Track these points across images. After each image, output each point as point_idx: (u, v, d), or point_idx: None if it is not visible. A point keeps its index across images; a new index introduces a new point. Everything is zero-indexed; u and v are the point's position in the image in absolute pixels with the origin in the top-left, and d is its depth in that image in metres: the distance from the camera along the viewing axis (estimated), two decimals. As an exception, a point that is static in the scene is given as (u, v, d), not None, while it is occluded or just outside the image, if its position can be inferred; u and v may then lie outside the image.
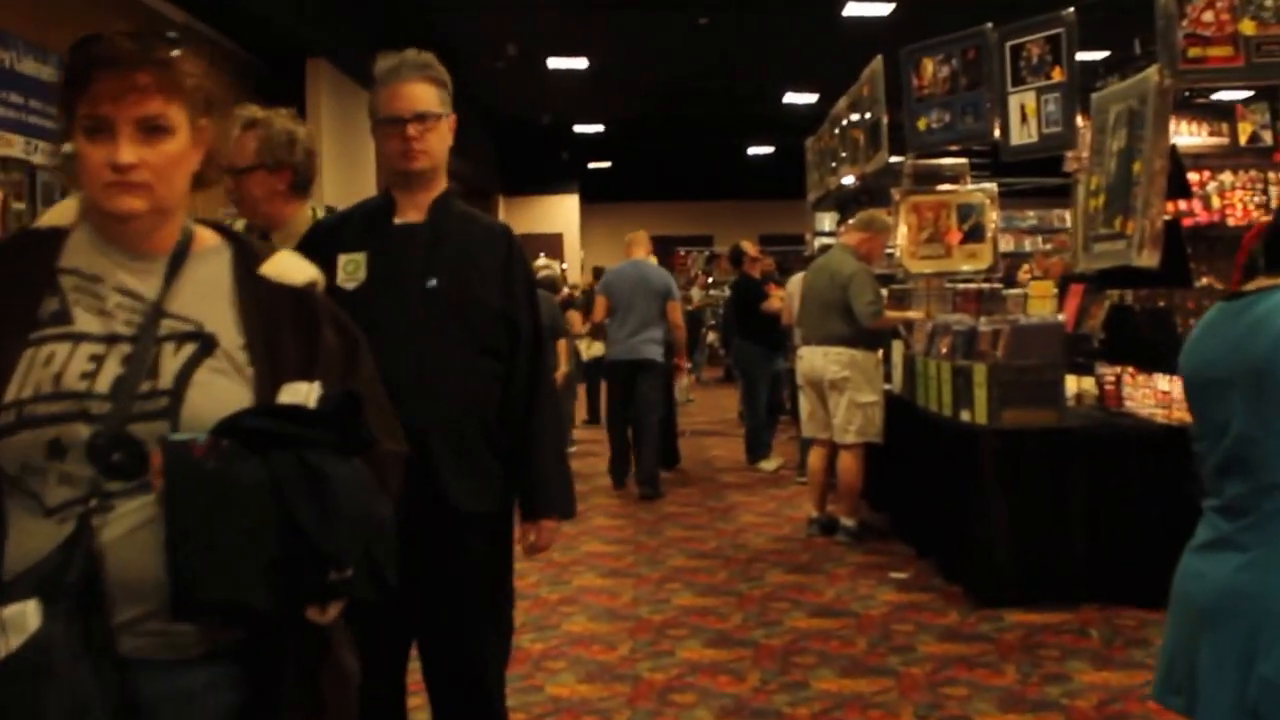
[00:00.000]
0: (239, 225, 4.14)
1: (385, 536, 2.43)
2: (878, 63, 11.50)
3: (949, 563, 8.87)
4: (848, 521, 10.08)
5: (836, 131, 13.78)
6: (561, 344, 12.96)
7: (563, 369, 12.95)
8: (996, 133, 9.86)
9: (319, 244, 3.88)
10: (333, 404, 2.45)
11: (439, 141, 4.11)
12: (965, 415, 8.40)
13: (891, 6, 18.99)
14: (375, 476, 2.48)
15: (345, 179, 18.01)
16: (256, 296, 2.59)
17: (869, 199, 12.76)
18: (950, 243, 10.94)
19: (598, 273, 20.42)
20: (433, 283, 3.99)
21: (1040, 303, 9.89)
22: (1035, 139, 9.53)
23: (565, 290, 17.90)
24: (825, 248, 13.34)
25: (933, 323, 9.86)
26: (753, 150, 34.13)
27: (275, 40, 15.62)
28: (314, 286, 2.72)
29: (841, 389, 9.94)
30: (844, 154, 13.26)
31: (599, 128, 31.04)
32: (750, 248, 14.51)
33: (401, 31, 20.54)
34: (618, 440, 13.01)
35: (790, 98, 27.09)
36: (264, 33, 15.18)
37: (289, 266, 2.70)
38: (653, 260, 13.30)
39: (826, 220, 16.62)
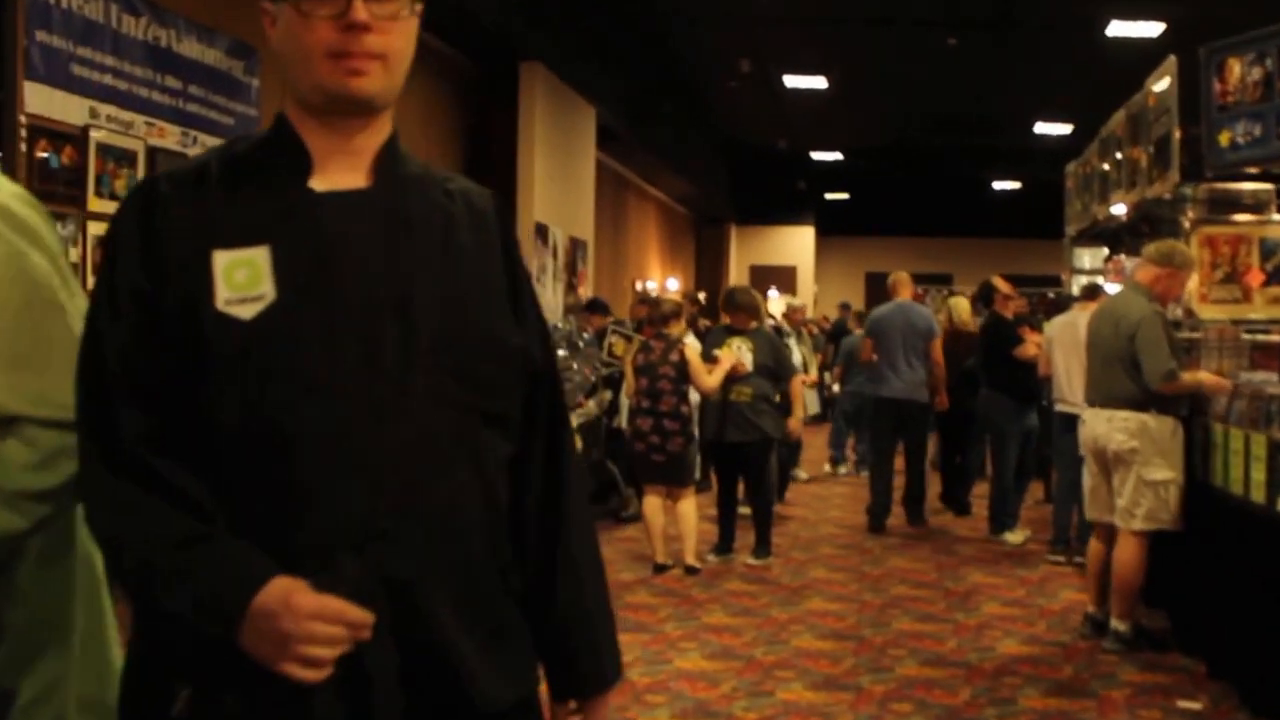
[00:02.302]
0: None
1: None
2: (1170, 63, 9.37)
3: (1256, 690, 6.82)
4: (1119, 625, 8.04)
5: (1109, 152, 11.64)
6: (796, 383, 11.30)
7: (796, 414, 11.34)
8: (1323, 150, 7.79)
9: (154, 229, 2.13)
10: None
11: (405, 44, 2.20)
12: (1288, 506, 6.42)
13: (1162, 26, 17.01)
14: None
15: (561, 191, 16.78)
16: None
17: (1149, 231, 10.70)
18: (1250, 284, 8.89)
19: (844, 309, 19.39)
20: (400, 301, 2.16)
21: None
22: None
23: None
24: (1092, 288, 11.35)
25: (1238, 381, 7.85)
26: (998, 184, 32.77)
27: (488, 41, 14.58)
28: None
29: (1128, 462, 7.92)
30: (1117, 177, 11.14)
31: (837, 155, 29.93)
32: (1003, 285, 12.44)
33: (625, 38, 19.62)
34: (882, 480, 12.84)
35: (1042, 128, 25.33)
36: (476, 33, 14.11)
37: None
38: (915, 301, 13.35)
39: (1087, 257, 14.53)
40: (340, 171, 2.21)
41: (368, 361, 2.11)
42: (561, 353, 14.73)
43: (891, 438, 12.93)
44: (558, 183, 17.00)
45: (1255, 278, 8.84)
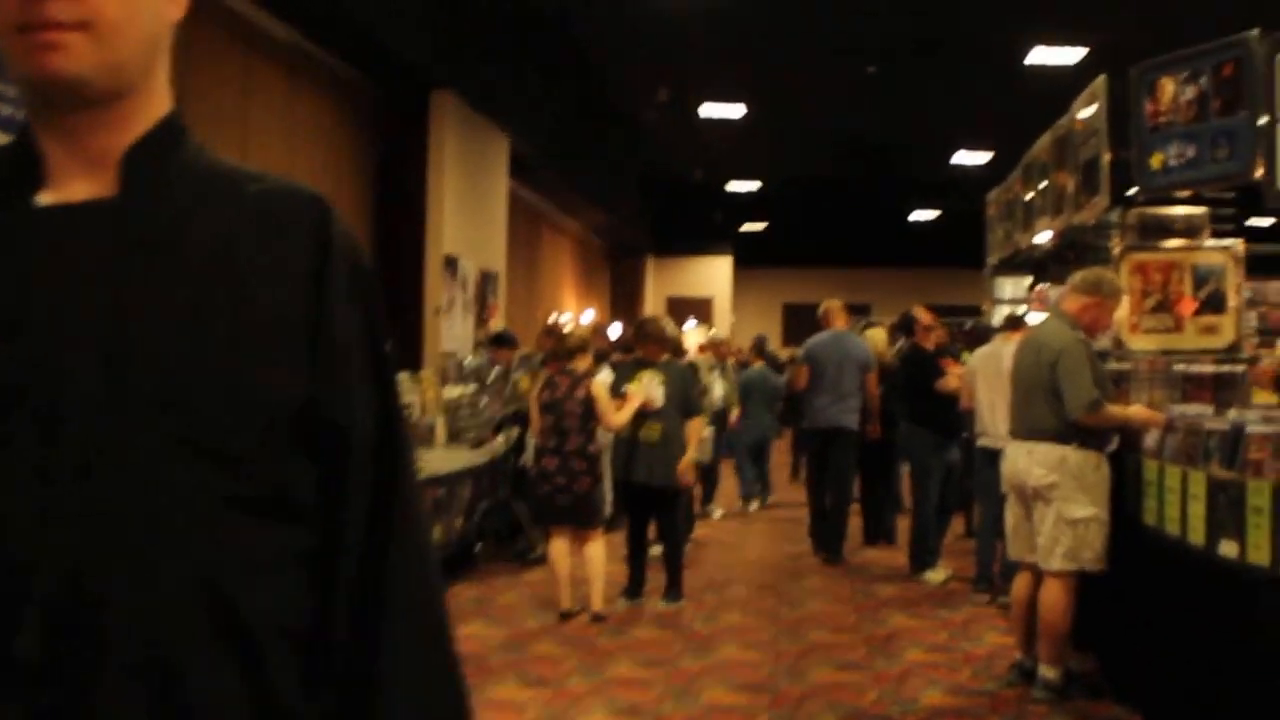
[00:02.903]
0: None
1: None
2: (1099, 84, 8.88)
3: (1196, 745, 6.36)
4: (1048, 672, 7.51)
5: (1033, 178, 11.18)
6: (695, 424, 10.49)
7: (689, 457, 10.45)
8: (1259, 171, 7.31)
9: None
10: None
11: (119, 7, 1.61)
12: (1229, 550, 5.96)
13: (1084, 51, 16.74)
14: None
15: (472, 222, 16.38)
16: None
17: (1076, 259, 10.24)
18: (1182, 313, 8.43)
19: (759, 342, 18.79)
20: (110, 345, 1.58)
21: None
22: (1316, 179, 6.99)
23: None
24: (1014, 318, 10.93)
25: (1171, 414, 7.38)
26: (917, 214, 32.71)
27: (398, 69, 14.23)
28: None
29: (1048, 499, 7.43)
30: (1042, 204, 10.68)
31: (754, 185, 29.66)
32: (924, 315, 11.96)
33: (541, 67, 19.21)
34: (817, 506, 13.05)
35: (961, 156, 25.19)
36: (386, 61, 13.79)
37: None
38: (850, 330, 13.55)
39: (1009, 286, 14.10)
40: (78, 180, 1.64)
41: (45, 429, 1.53)
42: (471, 387, 14.24)
43: (822, 466, 12.94)
44: (469, 214, 16.60)
45: (1187, 306, 8.39)
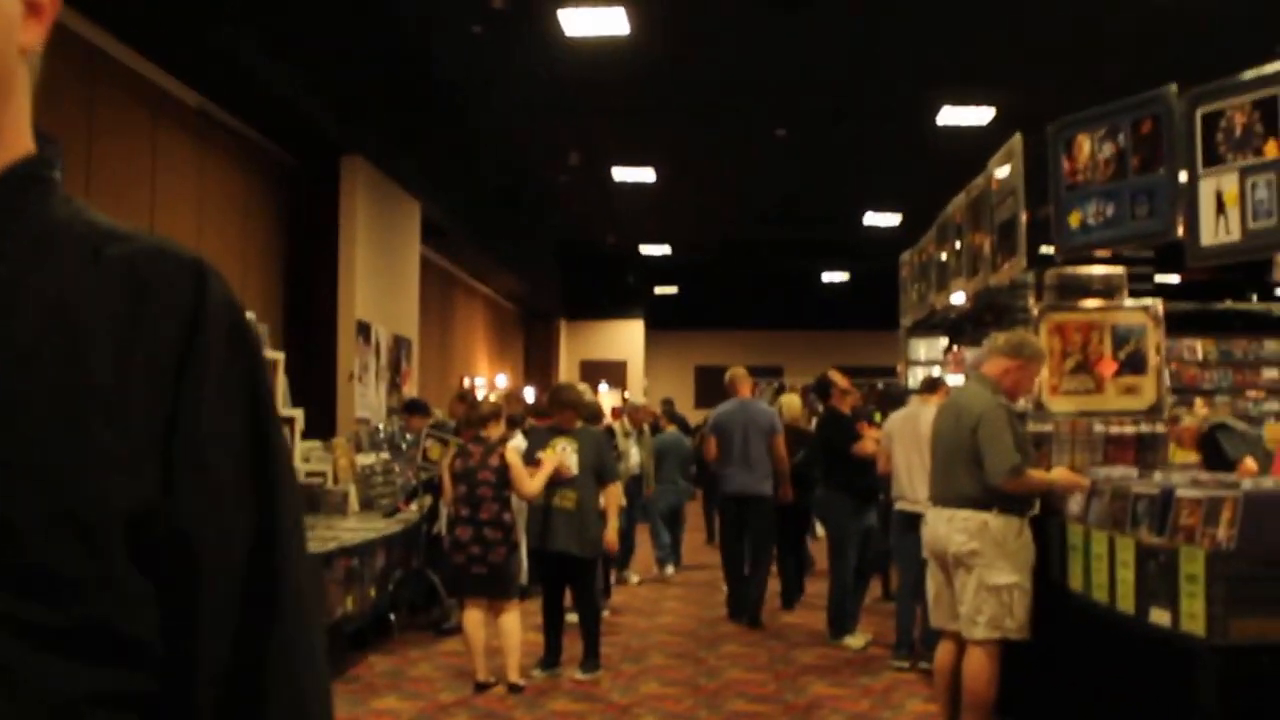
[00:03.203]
0: None
1: None
2: (1015, 143, 8.74)
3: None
4: (975, 745, 7.33)
5: (948, 239, 11.03)
6: (613, 491, 10.22)
7: (612, 526, 10.19)
8: (1180, 230, 7.18)
9: None
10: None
11: None
12: (1161, 618, 5.78)
13: (992, 112, 16.73)
14: None
15: (384, 288, 16.20)
16: None
17: (994, 320, 10.10)
18: (1102, 374, 8.29)
19: (667, 405, 19.15)
20: None
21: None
22: (1238, 237, 6.81)
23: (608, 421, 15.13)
24: (932, 381, 10.77)
25: (1095, 477, 7.21)
26: (828, 276, 32.72)
27: (307, 134, 14.09)
28: None
29: (969, 566, 7.24)
30: (956, 265, 10.52)
31: (666, 249, 29.69)
32: (839, 379, 11.76)
33: (450, 132, 19.00)
34: (734, 573, 12.95)
35: (871, 218, 25.14)
36: (294, 126, 13.71)
37: None
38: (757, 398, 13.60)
39: (923, 348, 13.96)
40: None
41: None
42: (384, 455, 13.96)
43: (738, 533, 12.81)
44: (381, 279, 16.42)
45: (1108, 367, 8.25)
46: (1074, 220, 7.86)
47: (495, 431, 9.68)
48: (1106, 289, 8.56)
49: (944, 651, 7.71)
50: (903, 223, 23.66)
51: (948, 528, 7.35)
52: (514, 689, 9.33)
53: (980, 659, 7.24)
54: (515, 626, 9.47)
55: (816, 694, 9.44)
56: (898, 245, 14.46)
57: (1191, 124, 7.07)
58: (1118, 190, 7.59)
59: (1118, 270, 8.65)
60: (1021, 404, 8.10)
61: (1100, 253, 8.33)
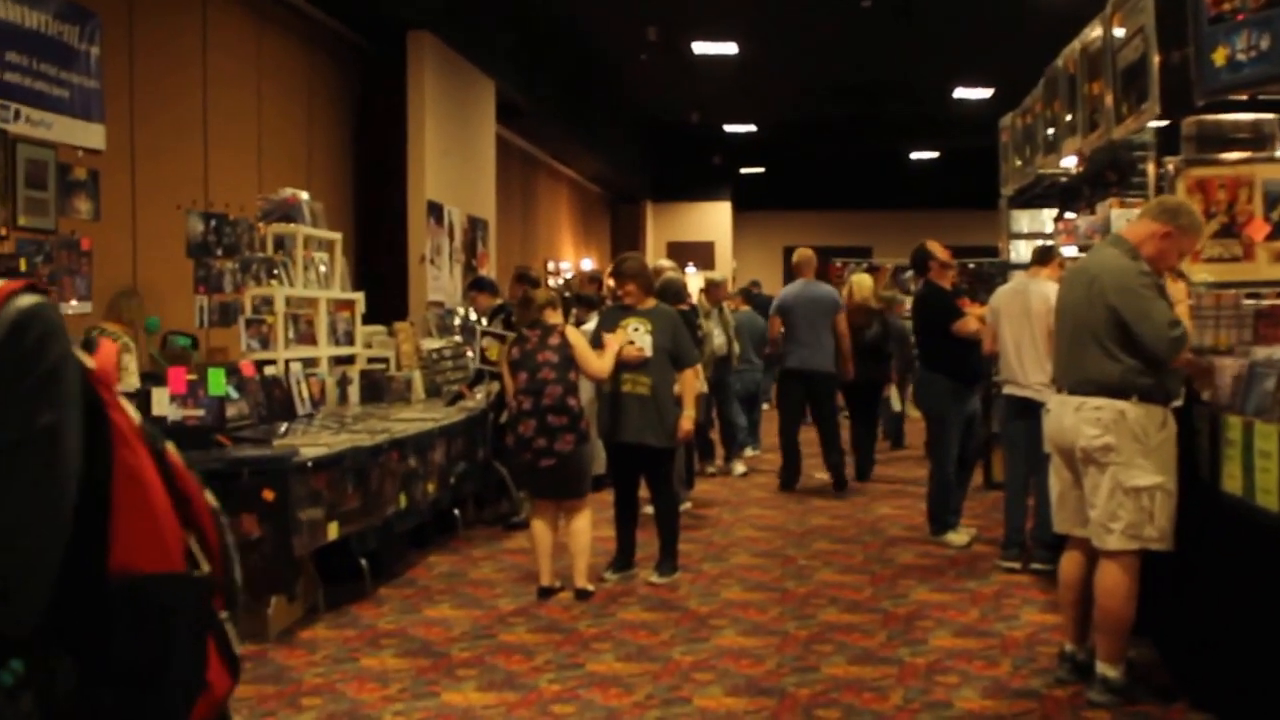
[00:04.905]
0: None
1: None
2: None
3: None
4: (1109, 671, 6.00)
5: (1057, 95, 9.45)
6: (688, 376, 8.92)
7: (688, 414, 8.91)
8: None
9: None
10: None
11: None
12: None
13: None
14: None
15: (457, 169, 15.37)
16: None
17: (1118, 180, 8.64)
18: (1252, 237, 6.85)
19: (751, 287, 18.94)
20: None
21: None
22: None
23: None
24: (1046, 250, 9.37)
25: (1248, 359, 5.84)
26: (917, 154, 31.32)
27: (371, 10, 13.55)
28: None
29: (1101, 464, 5.90)
30: (1071, 121, 8.97)
31: (751, 128, 28.34)
32: (939, 250, 10.21)
33: (525, 7, 17.76)
34: (788, 446, 13.04)
35: (961, 93, 23.42)
36: (359, 1, 13.16)
37: None
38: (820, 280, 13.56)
39: (1026, 220, 12.51)
40: None
41: None
42: (456, 339, 12.86)
43: (799, 407, 13.07)
44: (454, 160, 15.49)
45: (1259, 229, 6.79)
46: (1219, 57, 6.32)
47: (553, 317, 8.46)
48: (1256, 139, 7.08)
49: (1070, 561, 6.37)
50: (994, 96, 22.09)
51: (1075, 418, 6.00)
52: (581, 595, 8.20)
53: (1115, 573, 5.91)
54: (586, 529, 8.34)
55: (918, 600, 8.17)
56: (990, 120, 13.02)
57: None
58: (1274, 18, 6.07)
59: (1269, 116, 7.15)
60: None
61: (1245, 96, 6.85)
